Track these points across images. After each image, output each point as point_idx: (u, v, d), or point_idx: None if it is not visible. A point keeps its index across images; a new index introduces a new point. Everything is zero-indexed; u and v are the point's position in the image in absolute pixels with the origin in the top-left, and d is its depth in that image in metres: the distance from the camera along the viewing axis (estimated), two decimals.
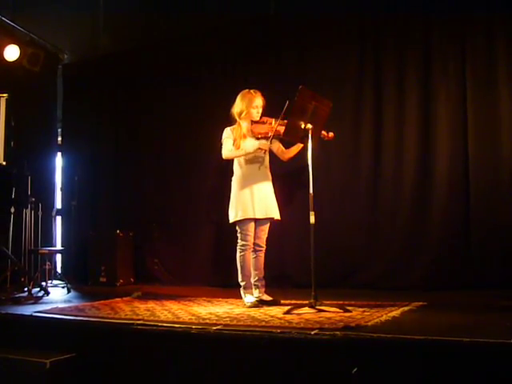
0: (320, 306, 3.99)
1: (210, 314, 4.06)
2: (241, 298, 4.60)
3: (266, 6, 6.24)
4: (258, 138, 4.58)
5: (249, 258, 4.56)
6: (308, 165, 4.15)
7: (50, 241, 7.08)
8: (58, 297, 5.63)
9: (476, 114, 5.27)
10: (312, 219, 4.08)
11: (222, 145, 4.64)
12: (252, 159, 4.56)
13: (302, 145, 4.41)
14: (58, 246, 7.35)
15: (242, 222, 4.52)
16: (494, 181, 5.20)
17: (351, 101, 5.86)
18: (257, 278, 4.57)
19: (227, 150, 4.59)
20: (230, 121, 4.69)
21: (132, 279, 6.84)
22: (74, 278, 6.66)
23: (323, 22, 6.00)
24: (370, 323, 3.37)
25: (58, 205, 7.69)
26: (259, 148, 4.46)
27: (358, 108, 5.85)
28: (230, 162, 4.71)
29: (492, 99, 5.22)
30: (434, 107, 5.48)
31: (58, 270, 7.08)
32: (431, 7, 5.45)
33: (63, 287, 6.13)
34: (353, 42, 5.92)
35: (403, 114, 5.62)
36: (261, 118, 4.61)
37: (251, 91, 4.61)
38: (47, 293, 5.70)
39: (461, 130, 5.35)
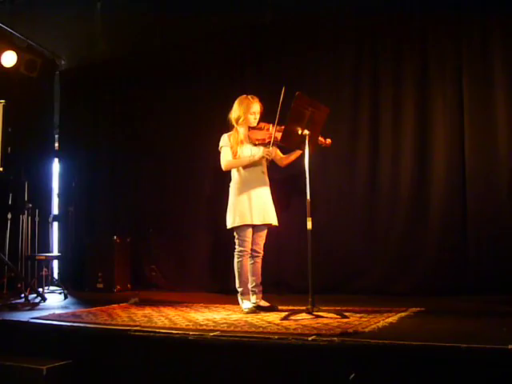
0: (317, 311, 3.98)
1: (208, 320, 4.05)
2: (238, 304, 4.60)
3: (263, 10, 6.25)
4: (255, 145, 4.59)
5: (246, 264, 4.56)
6: (305, 170, 4.15)
7: (46, 247, 7.04)
8: (54, 303, 5.62)
9: (473, 117, 5.28)
10: (309, 225, 4.08)
11: (220, 153, 4.64)
12: (250, 165, 4.55)
13: (300, 151, 4.42)
14: (55, 252, 7.32)
15: (240, 228, 4.51)
16: (491, 186, 5.20)
17: (348, 106, 5.88)
18: (254, 284, 4.57)
19: (227, 161, 4.58)
20: (228, 127, 4.69)
21: (129, 285, 6.83)
22: (70, 284, 6.67)
23: (320, 27, 6.03)
24: (367, 329, 3.37)
25: (55, 211, 7.67)
26: (263, 156, 4.47)
27: (355, 113, 5.86)
28: None
29: (489, 102, 5.23)
30: (430, 112, 5.49)
31: (55, 276, 7.06)
32: (428, 9, 5.46)
33: (60, 293, 6.11)
34: (350, 45, 5.93)
35: (400, 119, 5.63)
36: (258, 123, 4.61)
37: (249, 97, 4.61)
38: (44, 299, 5.69)
39: (458, 134, 5.36)
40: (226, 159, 4.59)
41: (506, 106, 5.17)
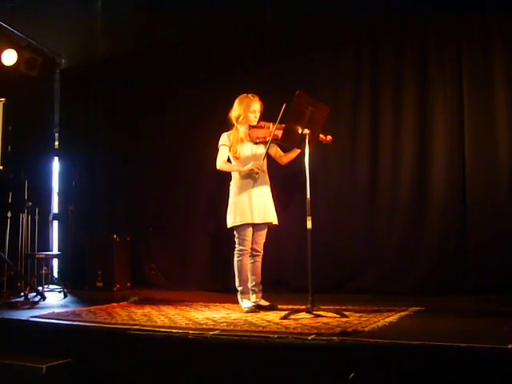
0: (317, 311, 3.98)
1: (207, 319, 4.05)
2: (238, 303, 4.60)
3: (264, 10, 6.25)
4: (256, 143, 4.60)
5: (246, 263, 4.56)
6: (305, 170, 4.15)
7: (46, 245, 7.06)
8: (54, 302, 5.62)
9: (473, 117, 5.28)
10: (309, 224, 4.08)
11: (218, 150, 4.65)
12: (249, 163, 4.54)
13: (299, 150, 4.42)
14: (55, 251, 7.33)
15: (240, 227, 4.51)
16: (491, 186, 5.20)
17: (348, 106, 5.87)
18: (254, 283, 4.57)
19: (221, 162, 4.60)
20: (228, 125, 4.69)
21: (129, 284, 6.82)
22: (70, 283, 6.65)
23: (320, 26, 6.02)
24: (367, 328, 3.36)
25: (55, 209, 7.67)
26: (252, 169, 4.46)
27: (355, 113, 5.85)
28: None
29: (489, 102, 5.23)
30: (431, 112, 5.49)
31: (55, 274, 7.06)
32: (428, 9, 5.45)
33: (60, 292, 6.11)
34: (349, 44, 5.93)
35: (400, 119, 5.63)
36: (258, 122, 4.61)
37: (249, 95, 4.61)
38: (44, 297, 5.68)
39: (458, 134, 5.36)
40: (220, 159, 4.61)
41: (507, 106, 5.17)
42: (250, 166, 4.48)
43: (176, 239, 6.77)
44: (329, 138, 4.53)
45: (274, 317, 4.03)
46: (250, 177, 4.54)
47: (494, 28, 5.26)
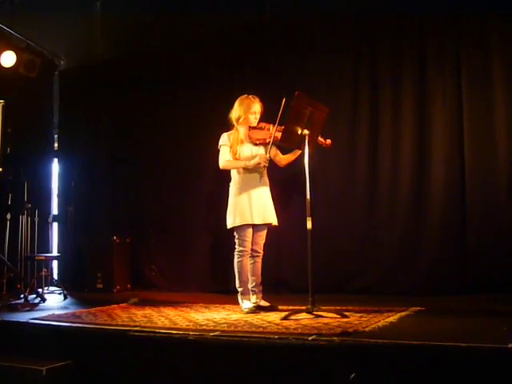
0: (317, 311, 3.98)
1: (208, 320, 4.05)
2: (238, 303, 4.59)
3: (263, 10, 6.25)
4: (255, 144, 4.59)
5: (246, 263, 4.55)
6: (305, 170, 4.15)
7: (46, 247, 7.05)
8: (54, 303, 5.61)
9: (472, 117, 5.29)
10: (309, 224, 4.08)
11: (219, 151, 4.64)
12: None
13: (299, 151, 4.42)
14: (55, 253, 7.32)
15: (240, 228, 4.51)
16: (490, 186, 5.21)
17: (348, 106, 5.88)
18: (254, 284, 4.57)
19: (224, 161, 4.58)
20: (228, 126, 4.69)
21: (129, 285, 6.82)
22: (70, 285, 6.65)
23: (319, 26, 6.03)
24: (367, 329, 3.36)
25: (55, 211, 7.66)
26: (259, 163, 4.46)
27: (354, 113, 5.86)
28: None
29: (488, 101, 5.24)
30: (430, 111, 5.50)
31: (55, 276, 7.06)
32: (427, 8, 5.46)
33: (59, 294, 6.11)
34: (349, 44, 5.93)
35: (399, 118, 5.63)
36: (258, 123, 4.61)
37: (250, 97, 4.61)
38: (43, 299, 5.68)
39: (457, 134, 5.37)
40: (223, 158, 4.60)
41: (505, 105, 5.18)
42: (256, 159, 4.48)
43: (176, 240, 6.76)
44: (328, 141, 4.52)
45: (274, 317, 4.03)
46: (256, 171, 4.53)
47: (492, 27, 5.27)
